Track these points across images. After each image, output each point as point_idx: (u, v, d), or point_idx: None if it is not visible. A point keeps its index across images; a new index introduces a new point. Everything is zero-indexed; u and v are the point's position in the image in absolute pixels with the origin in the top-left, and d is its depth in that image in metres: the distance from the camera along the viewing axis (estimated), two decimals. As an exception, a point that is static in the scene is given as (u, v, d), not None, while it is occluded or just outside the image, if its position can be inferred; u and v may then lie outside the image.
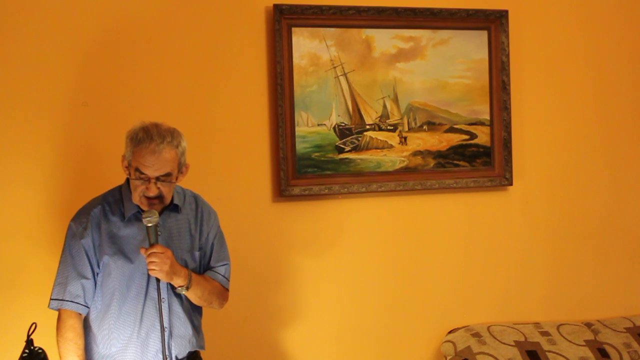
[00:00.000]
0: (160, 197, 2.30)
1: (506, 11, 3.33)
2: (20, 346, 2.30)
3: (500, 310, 3.40)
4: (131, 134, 2.28)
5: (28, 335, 2.29)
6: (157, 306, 2.30)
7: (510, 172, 3.35)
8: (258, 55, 3.07)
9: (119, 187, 2.42)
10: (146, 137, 2.24)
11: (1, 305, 2.76)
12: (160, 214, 2.31)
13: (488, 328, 3.25)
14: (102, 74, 2.89)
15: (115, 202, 2.38)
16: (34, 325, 2.29)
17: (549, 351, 3.18)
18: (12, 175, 2.78)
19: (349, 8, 3.14)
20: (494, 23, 3.33)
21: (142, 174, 2.25)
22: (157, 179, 2.26)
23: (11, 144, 2.79)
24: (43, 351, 2.30)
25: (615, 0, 3.55)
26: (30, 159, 2.81)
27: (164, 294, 2.33)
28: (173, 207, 2.40)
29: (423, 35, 3.26)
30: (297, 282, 3.13)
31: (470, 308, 3.36)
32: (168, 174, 2.28)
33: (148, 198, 2.29)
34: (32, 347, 2.29)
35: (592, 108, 3.53)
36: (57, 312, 2.35)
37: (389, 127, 3.24)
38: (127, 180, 2.37)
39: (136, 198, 2.30)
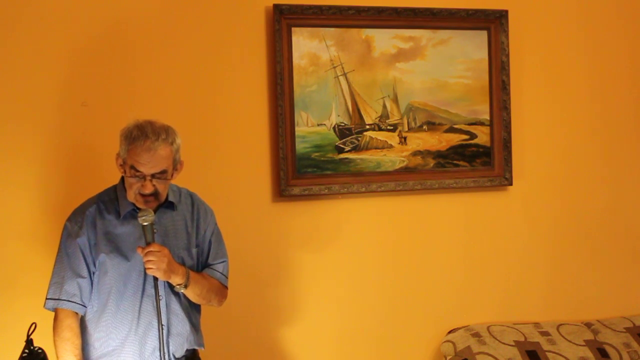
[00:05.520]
0: (155, 194, 2.30)
1: (506, 11, 3.33)
2: (20, 346, 2.30)
3: (500, 310, 3.40)
4: (125, 132, 2.29)
5: (28, 335, 2.29)
6: (155, 304, 2.31)
7: (510, 172, 3.35)
8: (258, 55, 3.07)
9: (114, 187, 2.42)
10: (141, 134, 2.25)
11: (1, 306, 2.77)
12: (155, 211, 2.31)
13: (488, 328, 3.25)
14: (100, 74, 2.89)
15: (110, 200, 2.38)
16: (33, 325, 2.29)
17: (549, 351, 3.18)
18: (9, 175, 2.79)
19: (349, 8, 3.14)
20: (493, 23, 3.33)
21: (138, 171, 2.25)
22: (153, 176, 2.26)
23: (8, 145, 2.79)
24: (43, 351, 2.30)
25: (615, 0, 3.55)
26: (27, 160, 2.81)
27: (161, 292, 2.33)
28: (168, 205, 2.40)
29: (423, 35, 3.26)
30: (297, 282, 3.13)
31: (470, 308, 3.36)
32: (163, 171, 2.28)
33: (143, 195, 2.29)
34: (32, 347, 2.29)
35: (592, 108, 3.53)
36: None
37: (388, 127, 3.24)
38: (122, 178, 2.37)
39: (131, 196, 2.30)
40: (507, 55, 3.33)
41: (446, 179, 3.29)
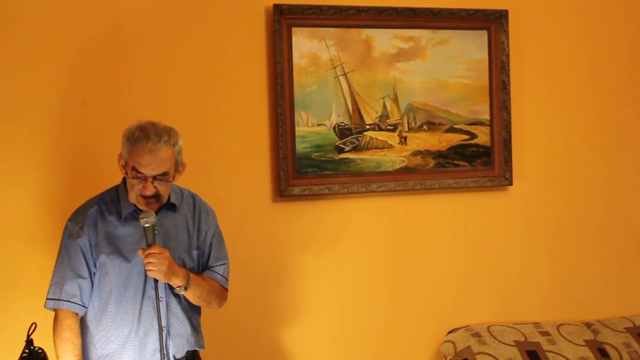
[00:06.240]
0: (157, 196, 2.29)
1: (506, 11, 3.33)
2: (20, 346, 2.30)
3: (500, 310, 3.40)
4: (128, 133, 2.28)
5: (28, 335, 2.29)
6: (155, 305, 2.30)
7: (510, 172, 3.35)
8: (258, 55, 3.07)
9: (116, 187, 2.41)
10: (143, 136, 2.24)
11: (1, 306, 2.77)
12: (157, 212, 2.31)
13: (488, 328, 3.25)
14: (101, 74, 2.89)
15: (112, 201, 2.37)
16: (33, 325, 2.29)
17: (549, 351, 3.18)
18: (10, 176, 2.79)
19: (349, 8, 3.14)
20: (494, 23, 3.33)
21: (139, 173, 2.25)
22: (154, 178, 2.26)
23: (8, 145, 2.79)
24: (43, 351, 2.30)
25: (615, 0, 3.55)
26: (27, 160, 2.81)
27: (161, 293, 2.32)
28: (170, 206, 2.40)
29: (423, 35, 3.26)
30: (297, 282, 3.13)
31: (470, 308, 3.36)
32: (165, 173, 2.28)
33: (145, 197, 2.28)
34: (32, 347, 2.29)
35: (592, 108, 3.53)
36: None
37: (388, 127, 3.24)
38: (124, 179, 2.37)
39: (133, 197, 2.30)
40: (507, 55, 3.33)
41: (446, 179, 3.29)
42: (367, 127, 3.21)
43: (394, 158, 3.24)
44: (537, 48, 3.44)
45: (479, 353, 3.11)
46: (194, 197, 2.51)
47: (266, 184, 3.10)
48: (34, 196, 2.81)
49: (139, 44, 2.94)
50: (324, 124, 3.15)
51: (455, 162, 3.32)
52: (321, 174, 3.14)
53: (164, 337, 2.32)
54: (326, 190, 3.13)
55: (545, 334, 3.28)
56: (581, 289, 3.52)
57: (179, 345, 2.39)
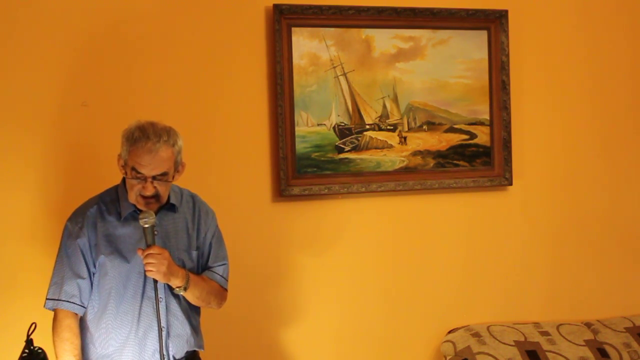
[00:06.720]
0: (156, 196, 2.29)
1: (506, 11, 3.33)
2: (20, 346, 2.30)
3: (500, 310, 3.40)
4: (127, 133, 2.28)
5: (28, 335, 2.29)
6: (155, 306, 2.31)
7: (510, 172, 3.35)
8: (258, 55, 3.07)
9: (115, 187, 2.41)
10: (142, 136, 2.24)
11: (1, 306, 2.77)
12: (156, 213, 2.31)
13: (488, 328, 3.25)
14: (101, 74, 2.89)
15: (111, 201, 2.37)
16: (33, 325, 2.29)
17: (549, 351, 3.18)
18: (9, 175, 2.78)
19: (349, 8, 3.14)
20: (493, 23, 3.33)
21: (139, 173, 2.25)
22: (154, 178, 2.26)
23: (8, 145, 2.79)
24: (43, 351, 2.30)
25: (615, 0, 3.55)
26: (27, 160, 2.81)
27: (161, 294, 2.33)
28: (170, 206, 2.40)
29: (423, 35, 3.26)
30: (297, 282, 3.13)
31: (470, 308, 3.36)
32: (164, 173, 2.27)
33: (144, 197, 2.28)
34: (31, 347, 2.29)
35: (591, 108, 3.52)
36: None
37: (388, 127, 3.24)
38: (123, 179, 2.37)
39: (132, 197, 2.30)
40: (507, 55, 3.33)
41: (446, 179, 3.29)
42: (367, 127, 3.21)
43: (393, 158, 3.24)
44: (537, 48, 3.44)
45: (479, 353, 3.11)
46: (193, 198, 2.51)
47: (266, 184, 3.10)
48: (34, 196, 2.81)
49: (139, 44, 2.94)
50: (324, 124, 3.15)
51: (455, 162, 3.32)
52: (321, 174, 3.14)
53: (163, 337, 2.32)
54: (326, 190, 3.13)
55: (545, 333, 3.28)
56: (581, 289, 3.52)
57: (178, 345, 2.39)
